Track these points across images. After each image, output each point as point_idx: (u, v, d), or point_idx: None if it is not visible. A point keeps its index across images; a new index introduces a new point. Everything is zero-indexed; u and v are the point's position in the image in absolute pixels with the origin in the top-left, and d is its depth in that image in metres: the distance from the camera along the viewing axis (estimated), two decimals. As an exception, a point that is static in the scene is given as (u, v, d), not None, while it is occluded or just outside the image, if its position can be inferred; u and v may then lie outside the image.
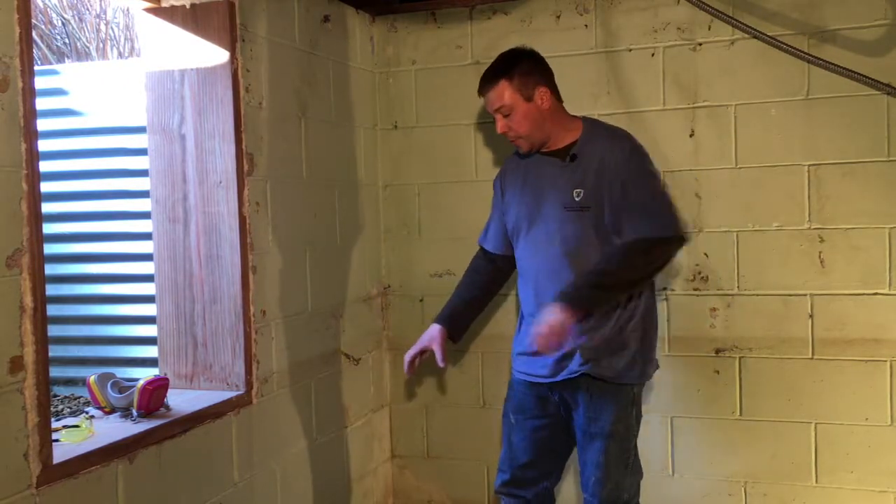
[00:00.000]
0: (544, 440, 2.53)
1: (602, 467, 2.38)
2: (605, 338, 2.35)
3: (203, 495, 2.26)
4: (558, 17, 3.05)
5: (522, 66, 2.39)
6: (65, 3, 6.47)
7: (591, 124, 2.47)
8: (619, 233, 2.32)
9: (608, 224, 2.33)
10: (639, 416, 2.48)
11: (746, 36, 2.84)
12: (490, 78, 2.40)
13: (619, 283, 2.30)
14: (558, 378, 2.40)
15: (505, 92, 2.36)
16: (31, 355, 1.74)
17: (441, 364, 2.56)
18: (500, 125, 2.40)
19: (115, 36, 6.62)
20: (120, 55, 6.50)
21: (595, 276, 2.28)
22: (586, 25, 3.02)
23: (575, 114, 2.51)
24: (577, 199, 2.34)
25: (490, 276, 2.68)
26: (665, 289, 2.97)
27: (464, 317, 2.66)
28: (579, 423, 2.43)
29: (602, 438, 2.38)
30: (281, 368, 2.61)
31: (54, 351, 2.07)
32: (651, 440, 3.02)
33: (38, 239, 1.76)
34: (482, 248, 2.69)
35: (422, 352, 2.59)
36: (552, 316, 2.23)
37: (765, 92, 2.84)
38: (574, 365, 2.37)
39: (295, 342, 2.69)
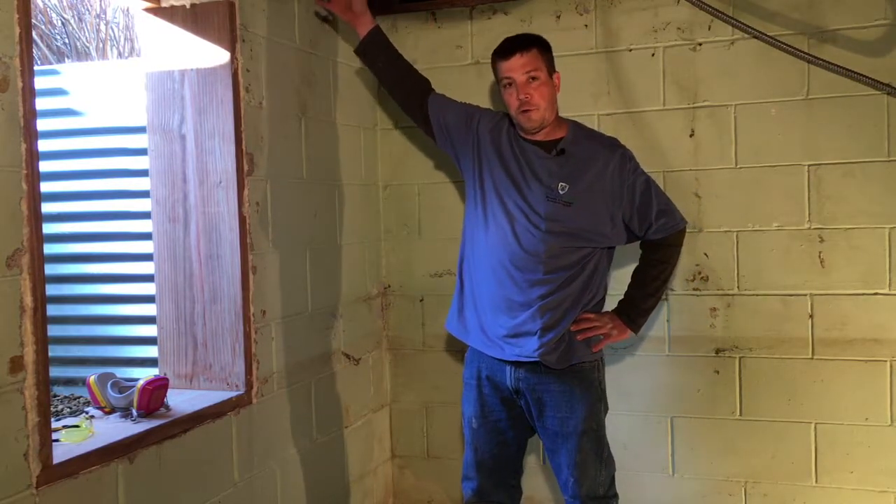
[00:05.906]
0: (509, 441, 2.52)
1: (579, 467, 2.40)
2: (563, 331, 2.39)
3: (203, 495, 2.26)
4: (558, 17, 3.05)
5: (548, 47, 2.45)
6: (65, 3, 6.48)
7: (576, 125, 2.51)
8: (639, 232, 2.47)
9: (611, 225, 2.41)
10: (606, 408, 2.51)
11: (746, 36, 2.84)
12: (526, 43, 2.39)
13: (666, 284, 2.57)
14: (509, 357, 2.40)
15: (539, 58, 2.38)
16: (31, 355, 1.74)
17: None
18: (525, 89, 2.36)
19: (115, 36, 6.63)
20: (120, 55, 6.51)
21: (653, 287, 2.51)
22: (586, 25, 3.02)
23: (576, 113, 2.53)
24: (561, 192, 2.37)
25: (413, 84, 2.65)
26: (665, 289, 2.97)
27: (389, 45, 2.67)
28: (550, 425, 2.42)
29: (576, 437, 2.39)
30: (281, 368, 2.61)
31: (54, 351, 2.08)
32: (651, 440, 3.02)
33: (38, 239, 1.76)
34: (431, 97, 2.62)
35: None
36: (614, 324, 2.47)
37: (765, 92, 2.84)
38: (528, 350, 2.37)
39: (295, 342, 2.68)
